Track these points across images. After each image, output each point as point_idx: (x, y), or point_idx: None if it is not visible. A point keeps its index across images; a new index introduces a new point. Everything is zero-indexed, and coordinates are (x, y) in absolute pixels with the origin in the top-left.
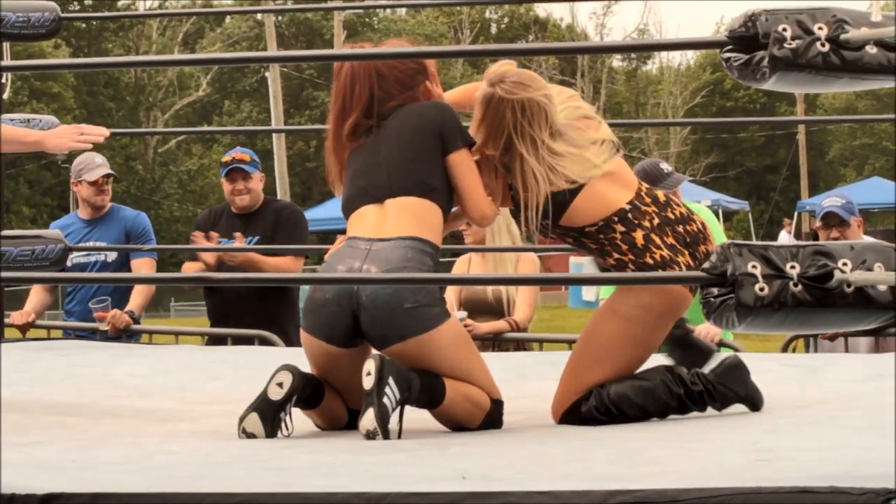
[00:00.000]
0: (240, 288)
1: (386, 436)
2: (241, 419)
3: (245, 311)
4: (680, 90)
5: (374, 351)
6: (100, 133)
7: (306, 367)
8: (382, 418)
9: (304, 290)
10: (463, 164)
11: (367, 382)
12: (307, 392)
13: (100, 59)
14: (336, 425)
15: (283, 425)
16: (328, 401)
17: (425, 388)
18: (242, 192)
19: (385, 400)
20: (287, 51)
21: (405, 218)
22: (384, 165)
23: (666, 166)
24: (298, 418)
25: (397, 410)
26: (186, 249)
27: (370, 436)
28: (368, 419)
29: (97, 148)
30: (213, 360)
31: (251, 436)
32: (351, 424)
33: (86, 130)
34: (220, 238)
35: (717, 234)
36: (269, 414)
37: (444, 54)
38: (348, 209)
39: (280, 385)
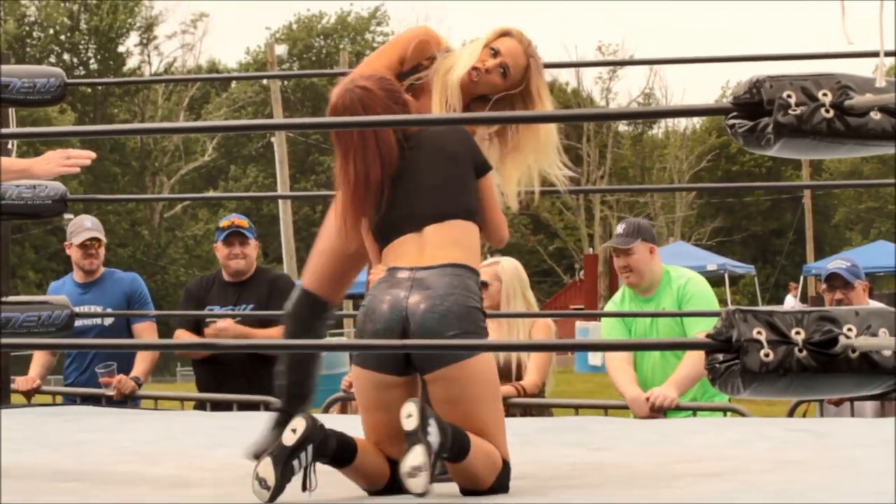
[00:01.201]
0: (231, 356)
1: (432, 473)
2: (255, 465)
3: (238, 377)
4: (686, 154)
5: (411, 401)
6: (86, 156)
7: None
8: (429, 455)
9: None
10: (490, 188)
11: (409, 423)
12: (331, 445)
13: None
14: (378, 482)
15: (298, 473)
16: (365, 457)
17: (456, 438)
18: (239, 256)
19: (430, 439)
20: (292, 117)
21: (446, 244)
22: (422, 192)
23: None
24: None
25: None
26: (191, 315)
27: (414, 473)
28: (415, 455)
29: (101, 211)
30: (220, 427)
31: (263, 481)
32: (395, 483)
33: (72, 154)
34: (212, 306)
35: (709, 302)
36: (282, 459)
37: (446, 121)
38: (383, 241)
39: (294, 431)
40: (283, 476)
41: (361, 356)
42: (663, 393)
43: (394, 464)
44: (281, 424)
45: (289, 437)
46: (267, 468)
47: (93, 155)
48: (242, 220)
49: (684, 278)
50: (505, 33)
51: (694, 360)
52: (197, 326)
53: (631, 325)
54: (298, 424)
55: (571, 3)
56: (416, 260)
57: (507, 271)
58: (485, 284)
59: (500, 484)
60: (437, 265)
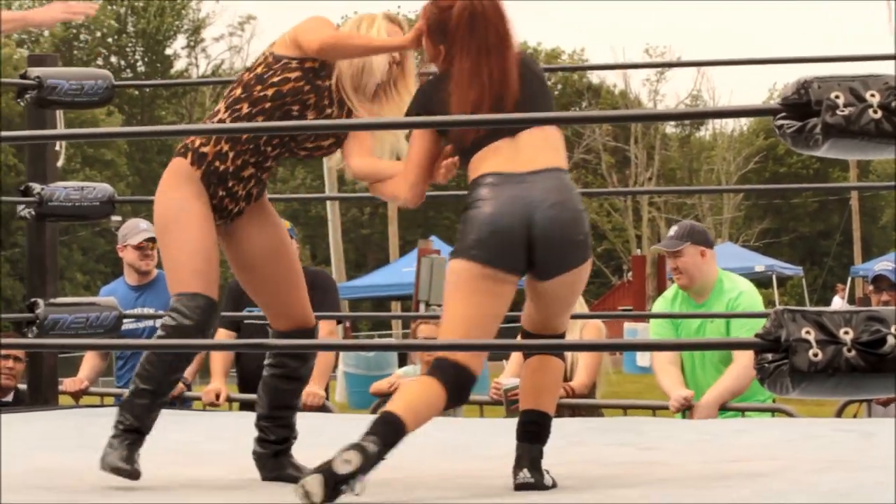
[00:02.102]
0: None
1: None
2: (303, 477)
3: None
4: (733, 156)
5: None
6: (88, 6)
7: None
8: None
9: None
10: None
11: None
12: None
13: (152, 127)
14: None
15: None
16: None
17: None
18: None
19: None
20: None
21: (543, 148)
22: (516, 99)
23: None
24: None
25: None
26: (238, 317)
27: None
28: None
29: (148, 213)
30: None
31: (308, 495)
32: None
33: (73, 4)
34: (251, 307)
35: (757, 306)
36: (331, 483)
37: (493, 122)
38: (474, 148)
39: (348, 462)
40: (329, 498)
41: (478, 250)
42: (706, 412)
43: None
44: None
45: (341, 466)
46: (315, 485)
47: (95, 5)
48: (284, 223)
49: (737, 291)
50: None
51: (739, 372)
52: (237, 326)
53: (679, 326)
54: (353, 457)
55: (619, 5)
56: (519, 164)
57: None
58: None
59: None
60: (543, 169)
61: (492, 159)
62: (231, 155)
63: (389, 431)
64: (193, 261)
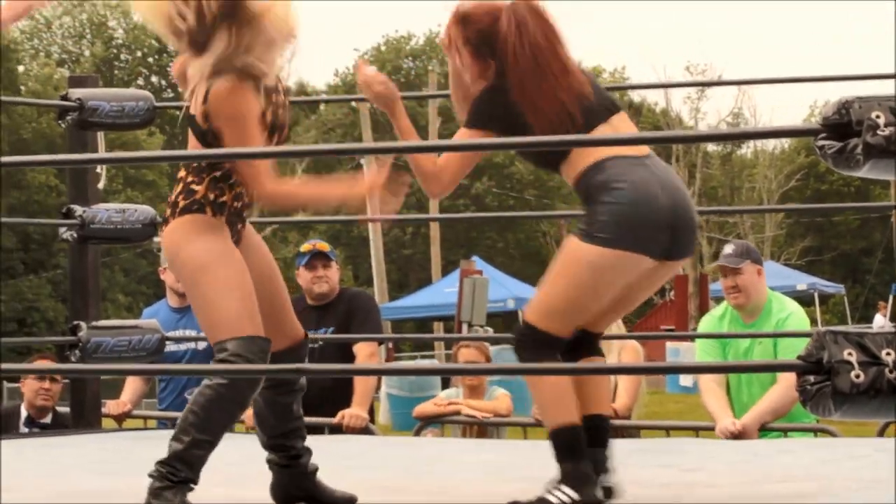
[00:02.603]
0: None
1: None
2: None
3: (326, 401)
4: (775, 174)
5: None
6: None
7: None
8: None
9: None
10: None
11: None
12: None
13: (193, 150)
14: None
15: None
16: None
17: None
18: (323, 279)
19: None
20: (382, 139)
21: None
22: (589, 92)
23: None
24: None
25: None
26: None
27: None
28: None
29: None
30: (316, 450)
31: None
32: None
33: None
34: None
35: (805, 327)
36: None
37: (534, 145)
38: (588, 128)
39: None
40: None
41: (622, 237)
42: (747, 435)
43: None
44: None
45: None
46: None
47: None
48: (324, 245)
49: (786, 312)
50: None
51: (781, 393)
52: None
53: (726, 346)
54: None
55: (660, 23)
56: (630, 148)
57: None
58: None
59: None
60: (650, 153)
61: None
62: (243, 191)
63: (565, 443)
64: (241, 304)
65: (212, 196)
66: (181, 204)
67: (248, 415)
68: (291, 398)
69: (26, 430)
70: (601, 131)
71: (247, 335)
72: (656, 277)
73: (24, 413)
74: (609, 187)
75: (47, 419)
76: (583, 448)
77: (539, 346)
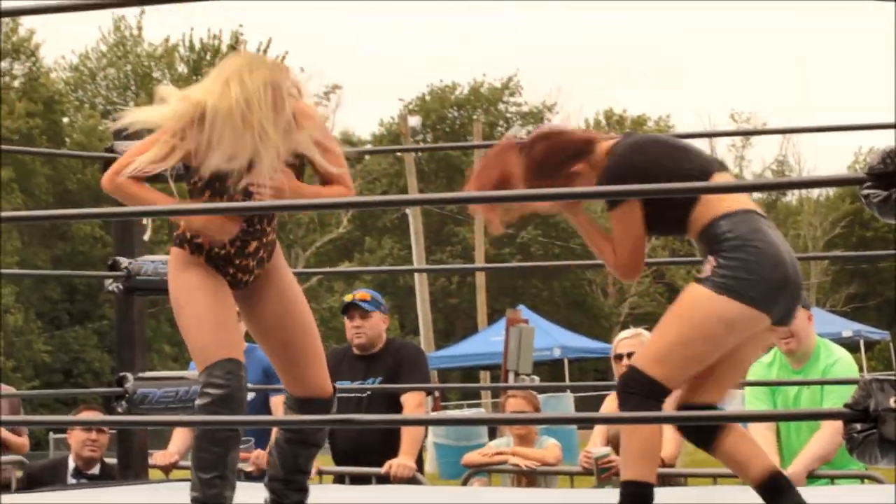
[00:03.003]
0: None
1: None
2: None
3: (375, 450)
4: (820, 221)
5: None
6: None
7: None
8: None
9: None
10: None
11: None
12: None
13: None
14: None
15: None
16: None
17: None
18: (361, 329)
19: None
20: (427, 188)
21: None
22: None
23: None
24: None
25: None
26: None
27: None
28: None
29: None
30: (360, 500)
31: None
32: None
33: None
34: (343, 381)
35: (852, 373)
36: None
37: (580, 195)
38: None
39: None
40: None
41: (757, 296)
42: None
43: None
44: None
45: None
46: None
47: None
48: (365, 294)
49: (833, 358)
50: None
51: (827, 439)
52: None
53: (775, 392)
54: None
55: (704, 71)
56: (747, 202)
57: None
58: (634, 356)
59: None
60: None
61: (733, 196)
62: (228, 240)
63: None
64: (209, 334)
65: (188, 235)
66: (175, 234)
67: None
68: (300, 451)
69: (74, 481)
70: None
71: (212, 361)
72: (759, 341)
73: (71, 464)
74: (746, 242)
75: (95, 470)
76: None
77: (647, 394)
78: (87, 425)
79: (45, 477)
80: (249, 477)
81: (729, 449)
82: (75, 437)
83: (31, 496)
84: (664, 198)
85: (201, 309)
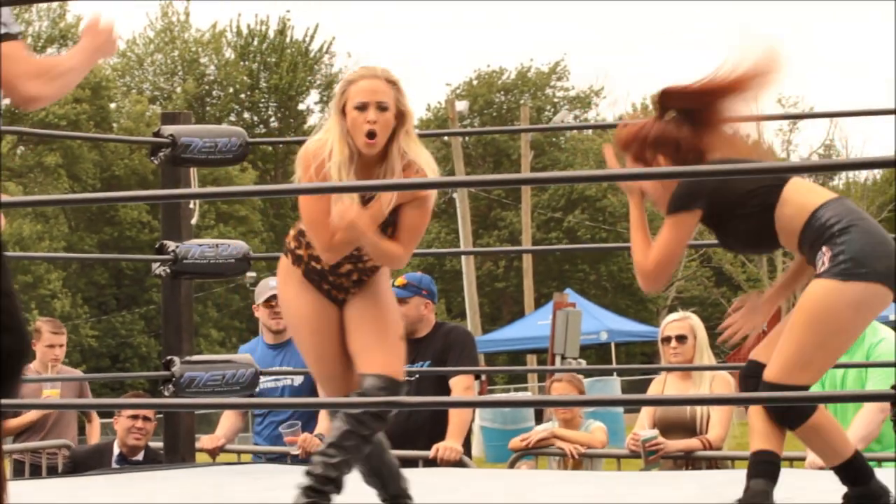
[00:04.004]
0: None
1: None
2: None
3: (420, 433)
4: (867, 205)
5: None
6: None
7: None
8: None
9: None
10: None
11: None
12: None
13: (286, 185)
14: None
15: None
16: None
17: None
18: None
19: None
20: (474, 172)
21: None
22: None
23: None
24: None
25: None
26: None
27: None
28: None
29: None
30: (411, 483)
31: None
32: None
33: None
34: None
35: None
36: None
37: (635, 176)
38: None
39: None
40: None
41: (880, 270)
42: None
43: None
44: None
45: None
46: None
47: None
48: (402, 280)
49: (879, 337)
50: (350, 82)
51: (868, 417)
52: None
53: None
54: None
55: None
56: (828, 193)
57: (699, 326)
58: (682, 338)
59: None
60: None
61: (819, 189)
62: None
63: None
64: (315, 370)
65: (293, 245)
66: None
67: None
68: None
69: (116, 466)
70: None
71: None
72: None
73: (116, 450)
74: (851, 223)
75: (139, 457)
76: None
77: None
78: (133, 408)
79: (89, 462)
80: (296, 460)
81: (818, 424)
82: (121, 423)
83: (76, 480)
84: (740, 207)
85: (305, 345)
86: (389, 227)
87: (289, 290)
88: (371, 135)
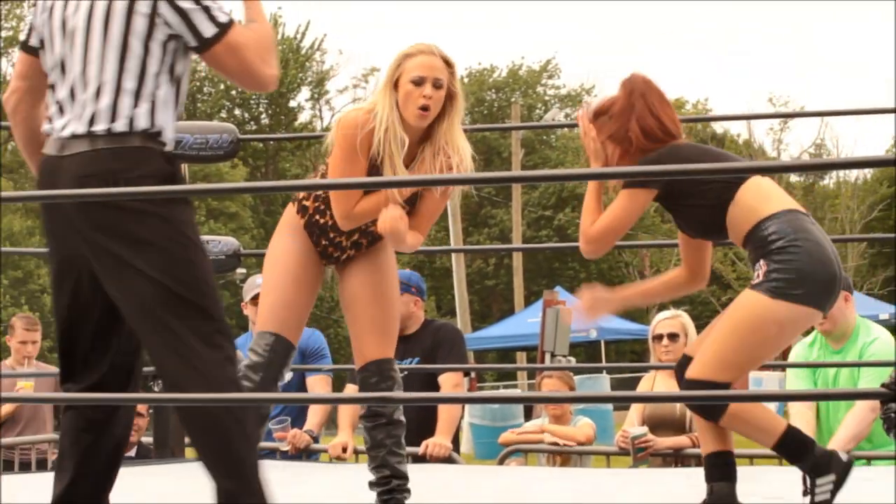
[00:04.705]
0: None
1: None
2: None
3: (410, 429)
4: (857, 204)
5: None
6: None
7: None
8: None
9: None
10: None
11: None
12: None
13: (278, 182)
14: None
15: None
16: None
17: None
18: None
19: None
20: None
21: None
22: None
23: None
24: None
25: None
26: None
27: None
28: None
29: None
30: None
31: None
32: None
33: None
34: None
35: (890, 352)
36: None
37: (620, 175)
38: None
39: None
40: None
41: (810, 295)
42: None
43: None
44: None
45: None
46: None
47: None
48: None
49: (872, 337)
50: (407, 56)
51: (860, 416)
52: None
53: (816, 371)
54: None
55: (742, 56)
56: (790, 201)
57: (690, 325)
58: (674, 336)
59: None
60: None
61: (775, 196)
62: (329, 211)
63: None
64: (271, 301)
65: (301, 195)
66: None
67: (333, 444)
68: (380, 429)
69: None
70: (756, 182)
71: (264, 330)
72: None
73: None
74: (792, 243)
75: (131, 453)
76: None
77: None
78: (124, 402)
79: None
80: (286, 456)
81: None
82: None
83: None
84: (695, 197)
85: (276, 277)
86: (408, 212)
87: (283, 238)
88: (425, 108)
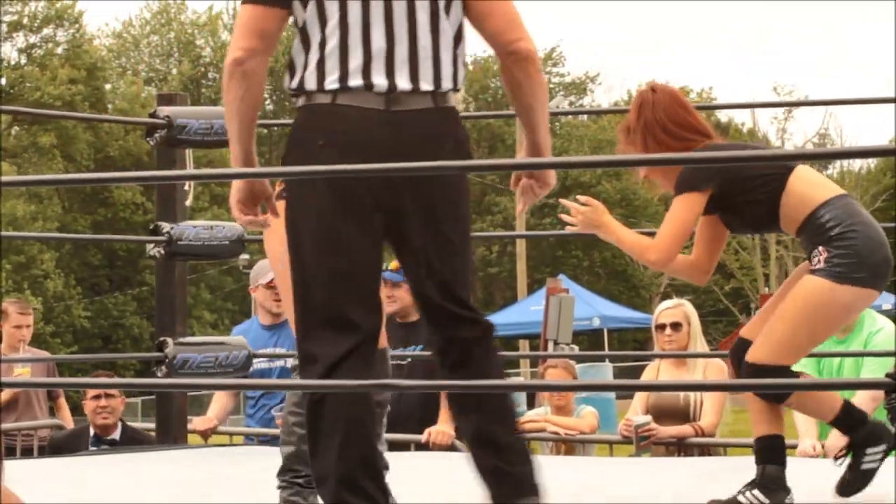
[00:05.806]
0: (405, 396)
1: None
2: None
3: (412, 417)
4: (860, 194)
5: None
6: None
7: None
8: None
9: None
10: None
11: None
12: None
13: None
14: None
15: None
16: None
17: None
18: (390, 298)
19: None
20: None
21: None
22: None
23: None
24: None
25: None
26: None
27: None
28: None
29: None
30: (402, 467)
31: None
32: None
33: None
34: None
35: (893, 342)
36: None
37: (624, 163)
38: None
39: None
40: None
41: (870, 276)
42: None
43: None
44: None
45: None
46: None
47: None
48: (395, 264)
49: (877, 327)
50: None
51: (861, 404)
52: None
53: (821, 360)
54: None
55: (746, 45)
56: (835, 188)
57: (693, 314)
58: (677, 326)
59: None
60: None
61: (823, 183)
62: None
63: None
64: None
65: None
66: None
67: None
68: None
69: (94, 448)
70: (804, 172)
71: None
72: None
73: (91, 432)
74: (850, 227)
75: (115, 435)
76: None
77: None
78: (122, 387)
79: (69, 445)
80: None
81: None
82: (88, 405)
83: (57, 461)
84: (749, 193)
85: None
86: None
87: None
88: None
